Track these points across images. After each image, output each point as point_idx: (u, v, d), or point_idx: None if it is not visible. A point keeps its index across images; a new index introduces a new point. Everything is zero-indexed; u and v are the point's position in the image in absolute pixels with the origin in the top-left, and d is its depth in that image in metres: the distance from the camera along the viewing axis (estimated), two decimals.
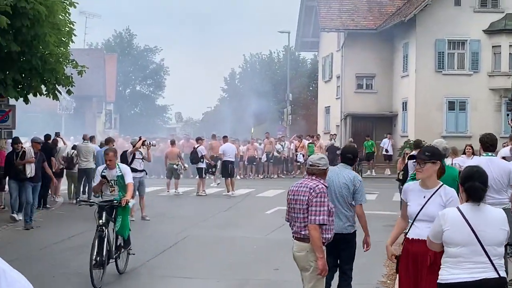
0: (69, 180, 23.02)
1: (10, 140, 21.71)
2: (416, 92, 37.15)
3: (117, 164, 11.77)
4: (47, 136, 22.67)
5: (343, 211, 8.64)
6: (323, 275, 7.46)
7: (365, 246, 8.91)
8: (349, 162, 8.99)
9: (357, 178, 8.79)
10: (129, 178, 11.54)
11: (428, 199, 6.78)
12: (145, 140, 18.93)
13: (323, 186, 7.43)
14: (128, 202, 11.18)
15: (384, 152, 36.69)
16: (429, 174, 6.90)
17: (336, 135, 39.76)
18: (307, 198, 7.33)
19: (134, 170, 17.91)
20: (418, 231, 6.74)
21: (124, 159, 18.36)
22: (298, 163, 36.01)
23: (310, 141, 36.34)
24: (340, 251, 8.84)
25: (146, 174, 19.51)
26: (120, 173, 11.53)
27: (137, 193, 18.22)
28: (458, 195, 6.62)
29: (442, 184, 6.90)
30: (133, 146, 18.71)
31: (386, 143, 36.46)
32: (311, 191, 7.33)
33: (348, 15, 42.30)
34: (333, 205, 8.23)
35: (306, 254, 7.41)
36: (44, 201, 20.56)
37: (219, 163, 27.59)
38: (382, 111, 41.28)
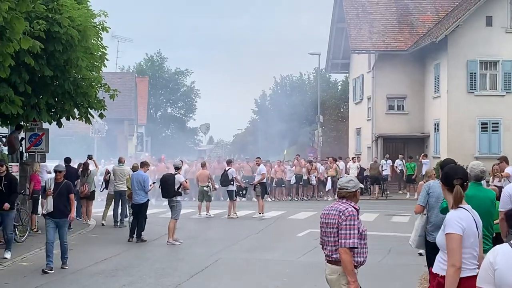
0: (109, 202, 23.35)
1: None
2: (448, 113, 36.86)
3: None
4: (67, 160, 22.19)
5: None
6: None
7: None
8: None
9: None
10: None
11: None
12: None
13: (353, 209, 7.38)
14: None
15: None
16: (445, 197, 6.46)
17: (387, 154, 38.95)
18: (336, 221, 7.28)
19: (179, 194, 18.46)
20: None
21: (172, 182, 18.47)
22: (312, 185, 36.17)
23: (328, 163, 36.29)
24: None
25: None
26: None
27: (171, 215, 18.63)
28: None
29: (457, 208, 6.06)
30: (176, 169, 19.15)
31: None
32: (341, 214, 7.28)
33: (379, 36, 42.19)
34: None
35: (338, 277, 7.35)
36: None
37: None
38: (413, 132, 41.03)
